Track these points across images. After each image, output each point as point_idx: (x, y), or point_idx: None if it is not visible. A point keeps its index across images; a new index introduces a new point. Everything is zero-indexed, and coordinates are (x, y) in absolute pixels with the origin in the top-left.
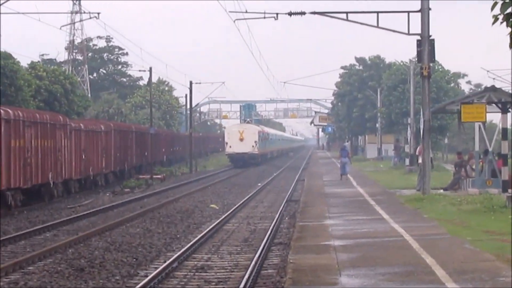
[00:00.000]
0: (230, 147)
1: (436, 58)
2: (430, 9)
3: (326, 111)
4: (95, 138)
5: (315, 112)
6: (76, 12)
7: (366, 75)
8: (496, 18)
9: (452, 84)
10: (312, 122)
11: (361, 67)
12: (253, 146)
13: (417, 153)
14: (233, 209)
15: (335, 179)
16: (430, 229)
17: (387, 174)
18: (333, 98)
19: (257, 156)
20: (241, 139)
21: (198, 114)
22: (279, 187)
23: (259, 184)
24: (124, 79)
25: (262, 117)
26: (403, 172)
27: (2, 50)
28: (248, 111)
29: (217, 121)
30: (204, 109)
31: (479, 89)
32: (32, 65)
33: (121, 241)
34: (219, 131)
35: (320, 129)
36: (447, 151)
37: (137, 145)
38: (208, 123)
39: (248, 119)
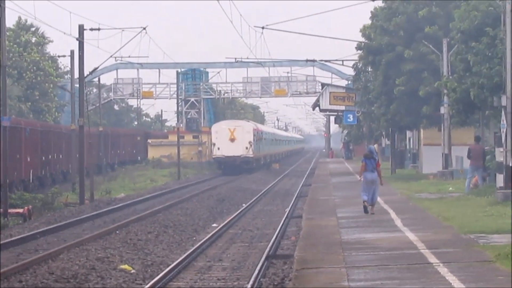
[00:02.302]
0: (218, 149)
1: None
2: None
3: (344, 83)
4: None
5: (323, 85)
6: None
7: (421, 15)
8: None
9: None
10: (316, 105)
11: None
12: (247, 148)
13: None
14: (159, 276)
15: (357, 214)
16: None
17: (460, 205)
18: (356, 59)
19: (251, 160)
20: (232, 139)
21: (96, 90)
22: (262, 222)
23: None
24: None
25: (220, 94)
26: (492, 200)
27: None
28: (191, 83)
29: (133, 103)
30: (108, 79)
31: None
32: None
33: None
34: (136, 123)
35: (333, 118)
36: None
37: None
38: (117, 106)
39: (193, 98)
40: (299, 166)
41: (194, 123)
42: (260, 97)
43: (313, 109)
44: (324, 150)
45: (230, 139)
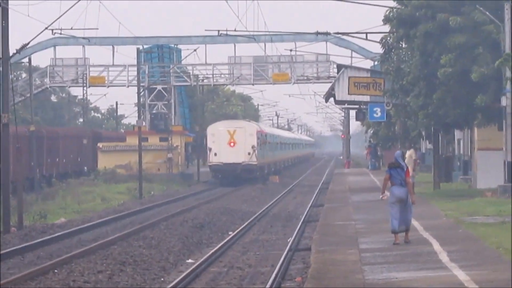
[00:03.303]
0: (216, 155)
1: None
2: None
3: (368, 65)
4: None
5: (339, 68)
6: None
7: None
8: None
9: None
10: (331, 95)
11: None
12: (249, 154)
13: None
14: None
15: (386, 245)
16: None
17: None
18: (385, 31)
19: (255, 168)
20: (232, 143)
21: (26, 75)
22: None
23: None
24: None
25: (198, 80)
26: None
27: None
28: (158, 65)
29: (78, 92)
30: (43, 60)
31: None
32: None
33: None
34: (81, 120)
35: (353, 114)
36: None
37: None
38: (55, 97)
39: (160, 86)
40: (307, 178)
41: (161, 121)
42: (253, 84)
43: (326, 101)
44: (341, 157)
45: (229, 143)
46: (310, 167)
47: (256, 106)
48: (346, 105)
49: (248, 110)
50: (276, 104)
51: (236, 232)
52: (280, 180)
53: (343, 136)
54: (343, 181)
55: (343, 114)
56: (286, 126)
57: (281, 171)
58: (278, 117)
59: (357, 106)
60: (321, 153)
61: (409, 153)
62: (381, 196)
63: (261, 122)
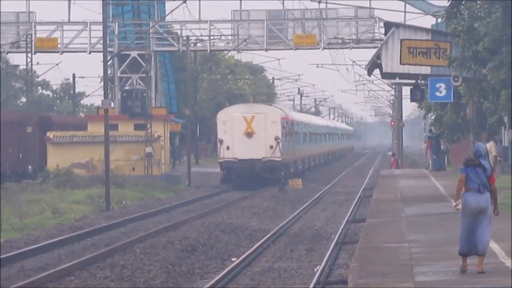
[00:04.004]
0: (228, 148)
1: None
2: None
3: (429, 23)
4: None
5: (388, 27)
6: None
7: None
8: None
9: None
10: (375, 66)
11: None
12: (271, 148)
13: None
14: None
15: (453, 276)
16: None
17: None
18: None
19: (279, 165)
20: (250, 134)
21: None
22: None
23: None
24: None
25: (189, 44)
26: None
27: None
28: (132, 21)
29: (20, 61)
30: None
31: None
32: None
33: None
34: (24, 100)
35: (407, 92)
36: None
37: None
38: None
39: (135, 52)
40: (343, 182)
41: (137, 101)
42: (267, 50)
43: (369, 74)
44: (390, 153)
45: (246, 133)
46: (348, 167)
47: (271, 81)
48: (397, 80)
49: (259, 87)
50: (298, 78)
51: (242, 258)
52: (304, 185)
53: (392, 123)
54: (393, 186)
55: (392, 92)
56: (313, 109)
57: (309, 171)
58: (301, 96)
59: (412, 81)
60: (362, 147)
61: (487, 147)
62: (454, 204)
63: (278, 103)
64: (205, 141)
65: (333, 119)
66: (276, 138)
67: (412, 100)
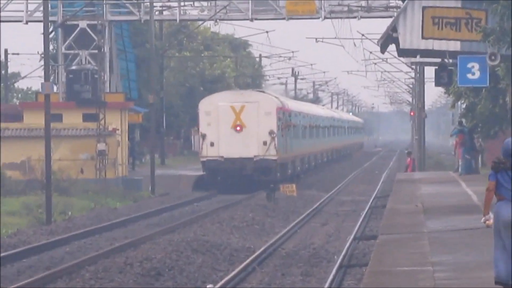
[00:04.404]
0: (212, 145)
1: None
2: None
3: None
4: None
5: None
6: None
7: None
8: None
9: None
10: (390, 40)
11: None
12: (265, 144)
13: None
14: None
15: None
16: None
17: None
18: None
19: (274, 166)
20: (239, 127)
21: None
22: None
23: None
24: None
25: (152, 12)
26: None
27: None
28: None
29: None
30: None
31: None
32: None
33: None
34: None
35: (431, 73)
36: None
37: None
38: None
39: (84, 22)
40: (349, 189)
41: (86, 84)
42: (252, 20)
43: (383, 51)
44: (407, 151)
45: (234, 126)
46: (355, 169)
47: (258, 60)
48: (418, 58)
49: (242, 67)
50: (292, 55)
51: (220, 284)
52: (300, 192)
53: (412, 113)
54: (412, 194)
55: (412, 74)
56: (311, 95)
57: (307, 174)
58: (296, 78)
59: (438, 60)
60: (373, 143)
61: None
62: (483, 219)
63: (267, 88)
64: (174, 136)
65: (337, 108)
66: (271, 133)
67: (437, 84)
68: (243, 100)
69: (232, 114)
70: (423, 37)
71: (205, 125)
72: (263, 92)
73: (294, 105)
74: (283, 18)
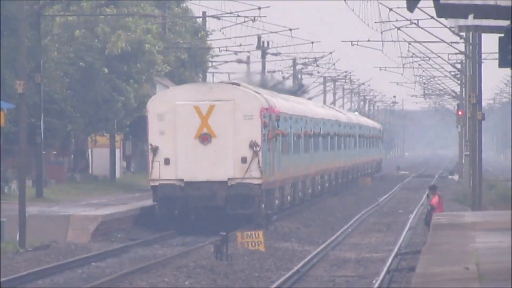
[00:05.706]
0: (167, 162)
1: None
2: None
3: None
4: None
5: None
6: None
7: None
8: None
9: None
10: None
11: None
12: (244, 161)
13: None
14: None
15: None
16: None
17: None
18: None
19: (256, 193)
20: (205, 137)
21: None
22: None
23: None
24: None
25: None
26: None
27: None
28: None
29: None
30: None
31: None
32: None
33: None
34: None
35: (493, 46)
36: None
37: None
38: None
39: None
40: (352, 238)
41: None
42: None
43: (411, 8)
44: (452, 177)
45: (200, 136)
46: (366, 204)
47: (201, 23)
48: (470, 20)
49: (176, 33)
50: (259, 15)
51: None
52: (269, 242)
53: (460, 112)
54: (460, 249)
55: (460, 47)
56: (290, 82)
57: (295, 208)
58: (264, 52)
59: (504, 23)
60: (394, 162)
61: None
62: None
63: (216, 68)
64: (58, 150)
65: (333, 103)
66: (253, 145)
67: (502, 64)
68: (212, 97)
69: (196, 118)
70: None
71: (156, 135)
72: (240, 85)
73: (284, 104)
74: None
